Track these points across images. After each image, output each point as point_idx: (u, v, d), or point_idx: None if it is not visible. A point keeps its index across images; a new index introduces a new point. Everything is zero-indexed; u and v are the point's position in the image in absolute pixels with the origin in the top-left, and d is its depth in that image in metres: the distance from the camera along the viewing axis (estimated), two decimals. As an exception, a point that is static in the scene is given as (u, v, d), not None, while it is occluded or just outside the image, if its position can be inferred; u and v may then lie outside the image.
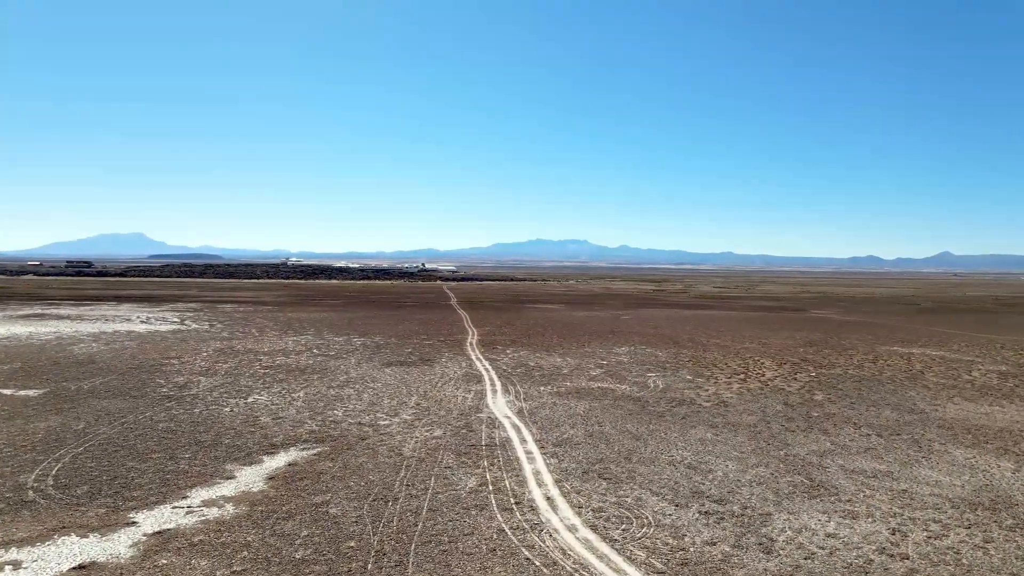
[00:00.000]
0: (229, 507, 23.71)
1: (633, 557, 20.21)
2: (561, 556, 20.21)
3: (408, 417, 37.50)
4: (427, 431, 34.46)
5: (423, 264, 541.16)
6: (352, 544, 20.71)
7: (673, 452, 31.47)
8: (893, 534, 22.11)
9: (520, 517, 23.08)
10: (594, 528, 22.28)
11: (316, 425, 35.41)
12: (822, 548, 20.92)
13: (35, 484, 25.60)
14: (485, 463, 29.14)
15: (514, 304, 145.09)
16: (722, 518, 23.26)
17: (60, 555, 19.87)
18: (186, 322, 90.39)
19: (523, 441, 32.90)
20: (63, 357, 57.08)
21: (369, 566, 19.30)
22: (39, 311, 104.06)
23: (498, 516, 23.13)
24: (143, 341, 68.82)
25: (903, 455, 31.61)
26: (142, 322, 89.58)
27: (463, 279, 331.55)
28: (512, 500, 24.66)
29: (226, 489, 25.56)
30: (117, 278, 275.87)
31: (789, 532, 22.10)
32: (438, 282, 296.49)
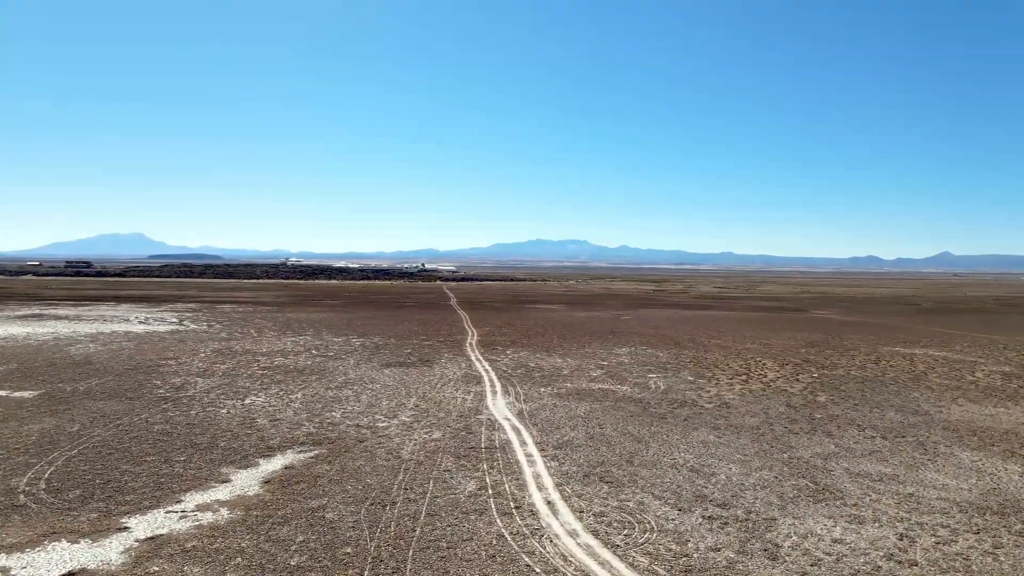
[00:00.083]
0: (224, 511, 23.27)
1: (636, 563, 19.77)
2: (562, 563, 19.78)
3: (407, 419, 37.07)
4: (426, 433, 34.03)
5: (423, 264, 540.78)
6: (348, 550, 20.27)
7: (675, 455, 31.04)
8: (901, 539, 21.67)
9: (520, 522, 22.65)
10: (596, 533, 21.84)
11: (313, 427, 34.98)
12: (828, 554, 20.48)
13: (27, 488, 25.16)
14: (484, 466, 28.71)
15: (514, 304, 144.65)
16: (726, 523, 22.82)
17: (50, 561, 19.43)
18: (184, 322, 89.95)
19: (523, 443, 32.46)
20: (60, 358, 56.65)
21: (366, 573, 18.87)
22: (37, 311, 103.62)
23: (498, 521, 22.69)
24: (141, 342, 68.39)
25: (908, 458, 31.18)
26: (140, 323, 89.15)
27: (463, 279, 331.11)
28: (512, 504, 24.22)
29: (221, 493, 25.12)
30: (116, 278, 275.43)
31: (795, 537, 21.66)
32: (438, 282, 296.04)
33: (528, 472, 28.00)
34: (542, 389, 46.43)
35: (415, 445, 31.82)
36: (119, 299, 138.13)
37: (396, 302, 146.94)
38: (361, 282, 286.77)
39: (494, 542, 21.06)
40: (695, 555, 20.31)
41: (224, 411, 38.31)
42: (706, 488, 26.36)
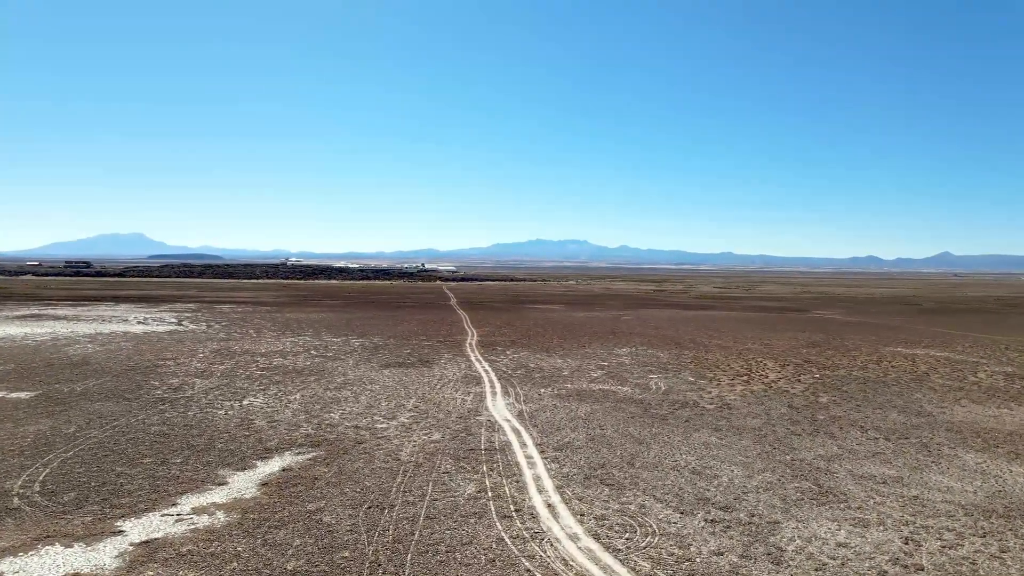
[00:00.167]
0: (220, 515, 22.98)
1: (638, 568, 19.48)
2: (563, 567, 19.48)
3: (406, 420, 36.77)
4: (425, 435, 33.73)
5: (423, 264, 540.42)
6: (346, 554, 19.98)
7: (677, 456, 30.74)
8: (906, 543, 21.37)
9: (520, 525, 22.35)
10: (597, 537, 21.54)
11: (312, 429, 34.68)
12: (833, 559, 20.18)
13: (21, 491, 24.87)
14: (484, 468, 28.41)
15: (514, 304, 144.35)
16: (729, 526, 22.52)
17: (43, 566, 19.14)
18: (183, 323, 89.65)
19: (523, 445, 32.16)
20: (57, 358, 56.36)
21: (363, 578, 18.57)
22: (36, 312, 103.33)
23: (497, 524, 22.39)
24: (139, 342, 68.09)
25: (912, 460, 30.88)
26: (139, 323, 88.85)
27: (463, 279, 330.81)
28: (512, 507, 23.92)
29: (217, 496, 24.82)
30: (116, 278, 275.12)
31: (799, 541, 21.36)
32: (438, 282, 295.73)
33: (528, 474, 27.70)
34: (542, 390, 46.13)
35: (414, 447, 31.52)
36: (118, 299, 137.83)
37: (396, 302, 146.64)
38: (361, 282, 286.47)
39: (494, 546, 20.76)
40: (698, 559, 20.01)
41: (222, 412, 38.01)
42: (708, 491, 26.06)
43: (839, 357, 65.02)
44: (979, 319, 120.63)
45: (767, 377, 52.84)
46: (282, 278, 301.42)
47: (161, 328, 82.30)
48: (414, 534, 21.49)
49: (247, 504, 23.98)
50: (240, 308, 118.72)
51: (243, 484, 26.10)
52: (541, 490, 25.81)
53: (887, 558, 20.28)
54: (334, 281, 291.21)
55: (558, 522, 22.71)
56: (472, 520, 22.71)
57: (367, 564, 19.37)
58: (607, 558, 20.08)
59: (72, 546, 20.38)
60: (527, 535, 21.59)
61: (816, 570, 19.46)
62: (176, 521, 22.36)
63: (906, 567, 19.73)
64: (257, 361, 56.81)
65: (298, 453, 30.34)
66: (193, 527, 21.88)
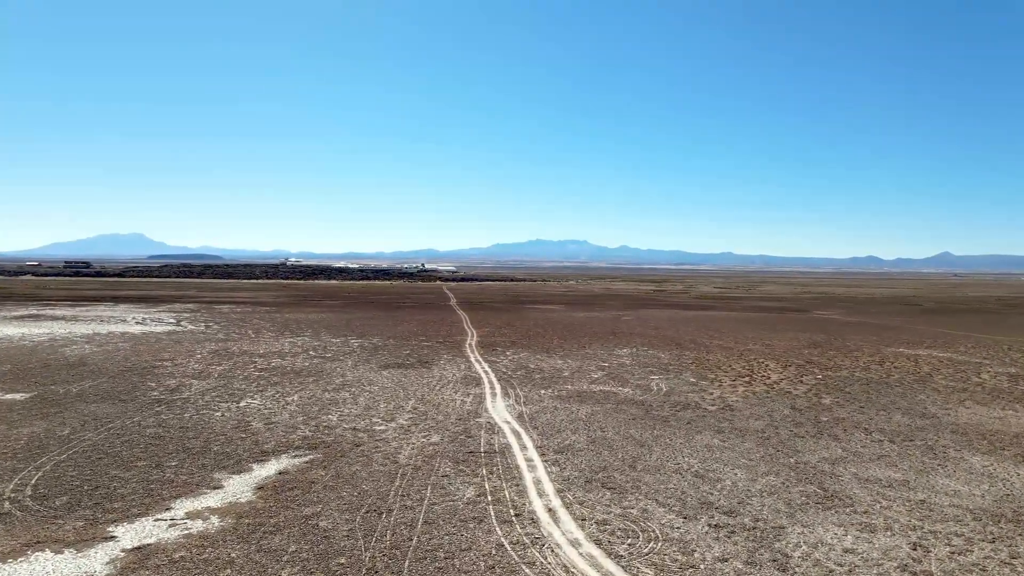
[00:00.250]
0: (214, 519, 22.54)
1: (640, 575, 19.04)
2: (564, 574, 19.05)
3: (405, 422, 36.34)
4: (424, 437, 33.30)
5: (423, 264, 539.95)
6: (342, 560, 19.55)
7: (679, 459, 30.31)
8: (914, 549, 20.93)
9: (520, 530, 21.92)
10: (598, 543, 21.11)
11: (309, 431, 34.25)
12: (840, 565, 19.74)
13: (12, 495, 24.42)
14: (484, 471, 27.98)
15: (514, 305, 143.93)
16: (733, 531, 22.09)
17: (32, 573, 18.71)
18: (182, 323, 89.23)
19: (523, 447, 31.73)
20: (54, 359, 55.93)
21: (360, 585, 18.15)
22: (34, 312, 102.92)
23: (497, 529, 21.96)
24: (137, 343, 67.66)
25: (918, 462, 30.44)
26: (137, 323, 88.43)
27: (463, 279, 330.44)
28: (512, 512, 23.49)
29: (212, 500, 24.39)
30: (115, 279, 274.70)
31: (804, 547, 20.92)
32: (438, 282, 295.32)
33: (528, 478, 27.27)
34: (542, 391, 45.71)
35: (413, 449, 31.10)
36: (117, 299, 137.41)
37: (395, 302, 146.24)
38: (361, 282, 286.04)
39: (493, 552, 20.34)
40: (702, 566, 19.59)
41: (219, 414, 37.58)
42: (711, 494, 25.63)
43: (841, 358, 64.60)
44: (980, 319, 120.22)
45: (769, 378, 52.41)
46: (282, 278, 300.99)
47: (159, 328, 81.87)
48: (412, 539, 21.06)
49: (242, 508, 23.55)
50: (239, 308, 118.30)
51: (238, 488, 25.67)
52: (541, 494, 25.38)
53: (895, 564, 19.85)
54: (334, 281, 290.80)
55: (559, 527, 22.29)
56: (471, 525, 22.28)
57: (364, 571, 18.95)
58: (609, 564, 19.65)
59: (63, 552, 19.95)
60: (527, 540, 21.16)
61: (823, 577, 19.04)
62: (169, 526, 21.93)
63: (915, 574, 19.30)
64: (255, 362, 56.39)
65: (295, 456, 29.91)
66: (186, 532, 21.45)
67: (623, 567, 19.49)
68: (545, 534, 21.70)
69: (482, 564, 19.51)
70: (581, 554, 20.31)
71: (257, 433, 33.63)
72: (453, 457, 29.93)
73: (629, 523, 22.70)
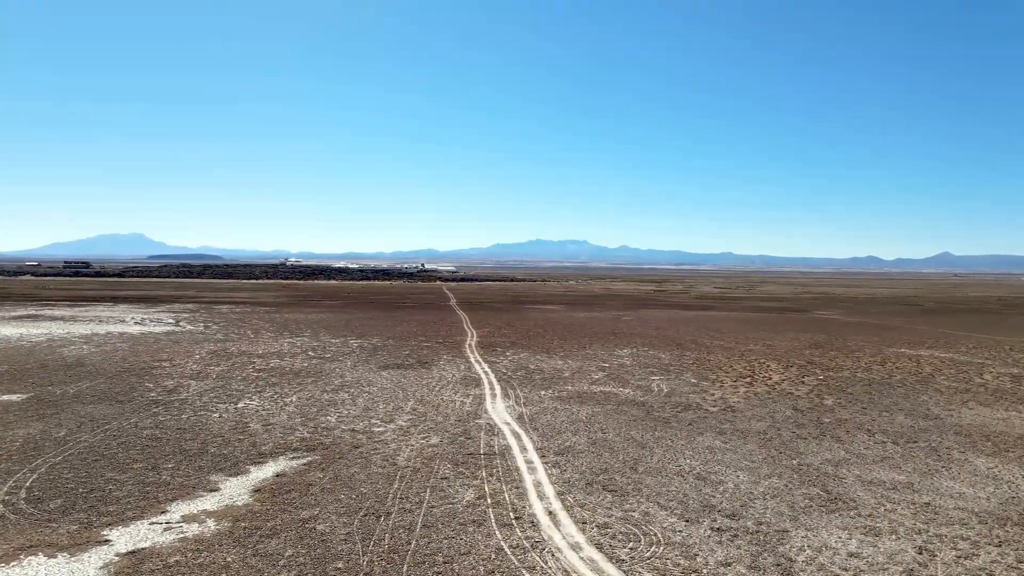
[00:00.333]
0: (210, 523, 22.24)
1: (642, 580, 18.75)
2: (565, 579, 18.76)
3: (404, 423, 36.05)
4: (423, 438, 33.01)
5: (423, 264, 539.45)
6: (339, 565, 19.25)
7: (681, 461, 30.01)
8: (920, 553, 20.63)
9: (520, 534, 21.62)
10: (599, 547, 20.81)
11: (307, 432, 33.95)
12: (845, 570, 19.44)
13: (6, 498, 24.12)
14: (483, 473, 27.68)
15: (514, 305, 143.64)
16: (736, 535, 21.79)
17: (24, 578, 18.41)
18: (181, 323, 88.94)
19: (523, 449, 31.43)
20: (52, 360, 55.64)
21: (357, 591, 17.85)
22: (33, 312, 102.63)
23: (497, 533, 21.66)
24: (135, 343, 67.37)
25: (922, 464, 30.14)
26: (136, 323, 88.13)
27: (463, 280, 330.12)
28: (512, 515, 23.19)
29: (209, 503, 24.09)
30: (115, 279, 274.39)
31: (809, 551, 20.62)
32: (438, 283, 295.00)
33: (528, 480, 26.97)
34: (542, 392, 45.41)
35: (412, 451, 30.80)
36: (116, 299, 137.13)
37: (395, 303, 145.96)
38: (360, 282, 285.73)
39: (493, 556, 20.04)
40: (705, 571, 19.28)
41: (216, 415, 37.29)
42: (714, 497, 25.33)
43: (842, 358, 64.30)
44: (981, 320, 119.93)
45: (770, 379, 52.12)
46: (281, 278, 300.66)
47: (158, 329, 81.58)
48: (410, 543, 20.77)
49: (239, 512, 23.26)
50: (238, 308, 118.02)
51: (235, 490, 25.38)
52: (542, 496, 25.09)
53: (901, 569, 19.55)
54: (333, 281, 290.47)
55: (559, 530, 21.99)
56: (471, 529, 21.99)
57: (361, 575, 18.66)
58: (611, 569, 19.35)
59: (56, 556, 19.65)
60: (527, 545, 20.86)
61: (828, 582, 18.74)
62: (165, 530, 21.63)
63: (921, 579, 19.01)
64: (254, 362, 56.09)
65: (293, 458, 29.62)
66: (182, 536, 21.15)
67: (625, 572, 19.20)
68: (545, 538, 21.40)
69: (481, 569, 19.22)
70: (582, 558, 20.01)
71: (255, 435, 33.34)
72: (452, 459, 29.64)
73: (631, 526, 22.40)
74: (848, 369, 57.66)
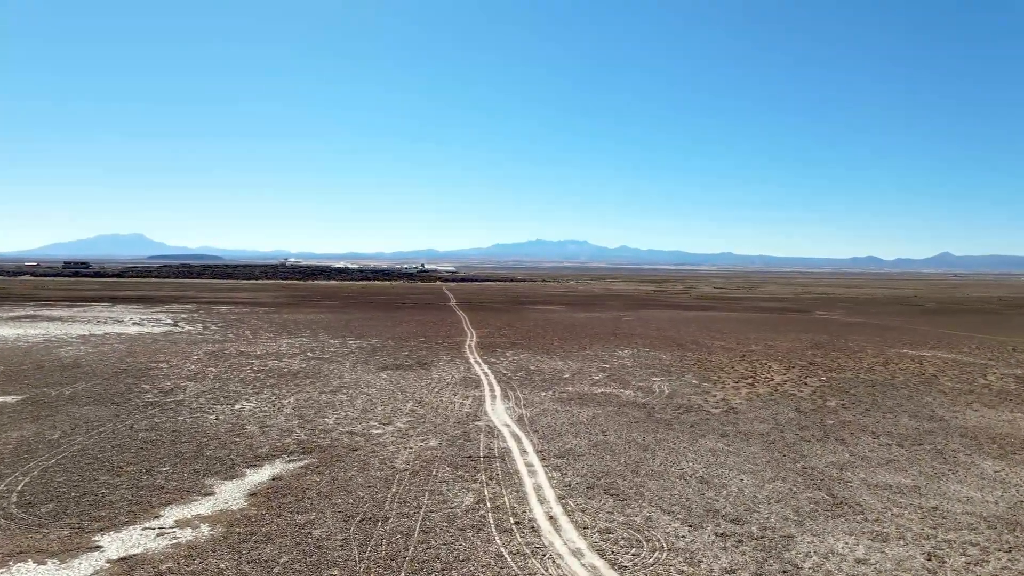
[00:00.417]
0: (204, 528, 21.81)
1: (645, 587, 18.32)
2: (566, 586, 18.33)
3: (402, 425, 35.61)
4: (422, 441, 32.57)
5: (423, 265, 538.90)
6: (335, 572, 18.81)
7: (683, 464, 29.57)
8: (929, 559, 20.19)
9: (520, 540, 21.19)
10: (601, 553, 20.38)
11: (305, 434, 33.51)
12: (853, 576, 19.01)
13: (-3, 502, 23.69)
14: (483, 477, 27.25)
15: (514, 305, 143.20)
16: (740, 541, 21.34)
17: (13, 585, 17.98)
18: (179, 324, 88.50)
19: (523, 452, 30.99)
20: (48, 360, 55.20)
21: (353, 599, 17.42)
22: (31, 312, 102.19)
23: (496, 539, 21.23)
24: (133, 344, 66.93)
25: (928, 467, 29.71)
26: (134, 324, 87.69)
27: (463, 280, 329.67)
28: (512, 520, 22.76)
29: (203, 507, 23.65)
30: (114, 279, 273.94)
31: (815, 558, 20.18)
32: (437, 283, 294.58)
33: (529, 483, 26.54)
34: (543, 393, 44.98)
35: (410, 454, 30.36)
36: (115, 300, 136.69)
37: (395, 303, 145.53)
38: (360, 283, 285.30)
39: (492, 563, 19.60)
40: (709, 577, 18.84)
41: (213, 417, 36.85)
42: (717, 501, 24.89)
43: (844, 359, 63.86)
44: (983, 320, 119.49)
45: (772, 380, 51.69)
46: (281, 278, 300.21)
47: (156, 329, 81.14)
48: (408, 549, 20.33)
49: (233, 516, 22.82)
50: (237, 309, 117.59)
51: (230, 494, 24.94)
52: (542, 501, 24.65)
53: (910, 576, 19.13)
54: (333, 281, 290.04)
55: (560, 536, 21.55)
56: (470, 534, 21.55)
57: (358, 583, 18.22)
58: (613, 576, 18.92)
59: (45, 563, 19.22)
60: (528, 550, 20.43)
61: (835, 589, 18.31)
62: (158, 535, 21.19)
63: (930, 586, 18.59)
64: (252, 363, 55.66)
65: (290, 461, 29.19)
66: (175, 542, 20.72)
67: (627, 579, 18.76)
68: (546, 543, 20.97)
69: (481, 576, 18.78)
70: (583, 564, 19.58)
71: (251, 437, 32.90)
72: (452, 462, 29.20)
73: (633, 532, 21.97)
74: (850, 370, 57.22)
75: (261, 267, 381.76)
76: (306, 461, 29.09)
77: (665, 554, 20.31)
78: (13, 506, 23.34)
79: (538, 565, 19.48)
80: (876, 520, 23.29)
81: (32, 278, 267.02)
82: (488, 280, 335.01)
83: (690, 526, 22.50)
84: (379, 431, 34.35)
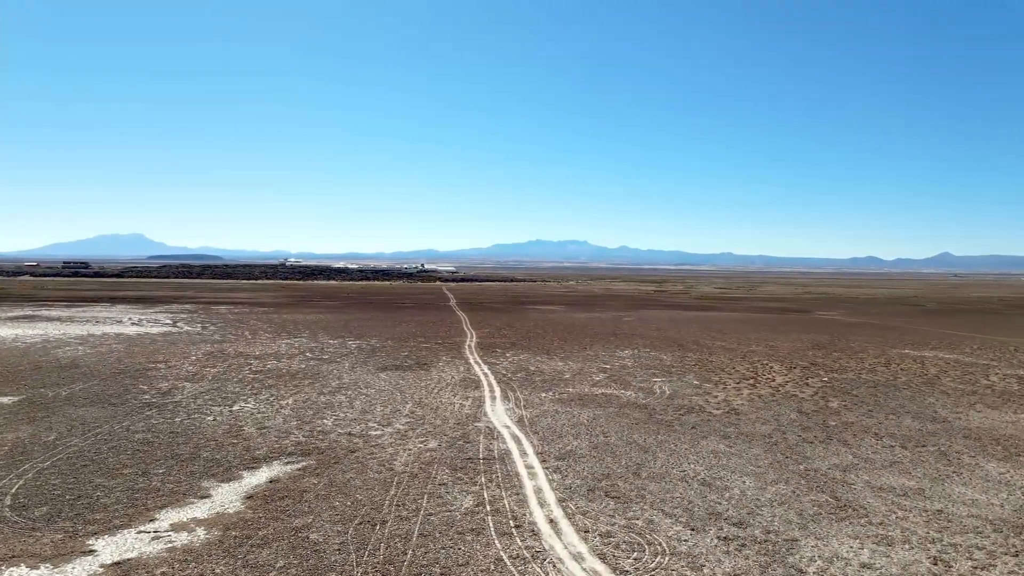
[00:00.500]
0: (200, 532, 21.51)
1: (647, 592, 18.02)
2: (567, 592, 18.03)
3: (401, 427, 35.31)
4: (421, 442, 32.27)
5: (422, 265, 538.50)
6: (333, 577, 18.51)
7: (685, 466, 29.27)
8: (935, 564, 19.90)
9: (520, 544, 20.89)
10: (602, 557, 20.08)
11: (303, 436, 33.21)
12: (858, 581, 18.72)
13: (-10, 505, 23.40)
14: (483, 479, 26.95)
15: (514, 305, 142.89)
16: (743, 544, 21.05)
17: (5, 590, 17.69)
18: (178, 324, 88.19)
19: (523, 454, 30.70)
20: (46, 361, 54.89)
21: (350, 605, 17.12)
22: (30, 313, 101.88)
23: (496, 542, 20.93)
24: (131, 344, 66.62)
25: (932, 469, 29.41)
26: (133, 324, 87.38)
27: (463, 280, 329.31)
28: (512, 523, 22.46)
29: (199, 510, 23.36)
30: (114, 279, 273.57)
31: (820, 562, 19.88)
32: (437, 283, 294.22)
33: (529, 486, 26.24)
34: (543, 394, 44.67)
35: (409, 456, 30.07)
36: (114, 300, 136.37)
37: (395, 303, 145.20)
38: (360, 283, 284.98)
39: (492, 567, 19.31)
40: (712, 582, 18.55)
41: (210, 418, 36.55)
42: (719, 504, 24.59)
43: (846, 359, 63.56)
44: (984, 320, 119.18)
45: (774, 380, 51.38)
46: (281, 279, 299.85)
47: (155, 330, 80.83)
48: (407, 553, 20.04)
49: (230, 520, 22.52)
50: (237, 309, 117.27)
51: (227, 497, 24.64)
52: (543, 504, 24.36)
53: (916, 581, 18.82)
54: (333, 282, 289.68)
55: (561, 540, 21.26)
56: (469, 538, 21.25)
57: (355, 588, 17.92)
58: (614, 581, 18.62)
59: (38, 567, 18.93)
60: (528, 555, 20.13)
61: (840, 595, 18.01)
62: (152, 539, 20.89)
63: (937, 591, 18.29)
64: (250, 364, 55.35)
65: (287, 463, 28.89)
66: (170, 546, 20.42)
67: (629, 584, 18.47)
68: (547, 547, 20.67)
69: (480, 581, 18.48)
70: (585, 569, 19.28)
71: (249, 438, 32.60)
72: (451, 464, 28.91)
73: (634, 535, 21.67)
74: (852, 371, 56.92)
75: (261, 267, 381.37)
76: (304, 463, 28.80)
77: (667, 558, 20.01)
78: (7, 509, 23.05)
79: (539, 570, 19.19)
80: (881, 523, 22.99)
81: (31, 278, 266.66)
82: (488, 280, 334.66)
83: (692, 529, 22.21)
84: (378, 432, 34.05)
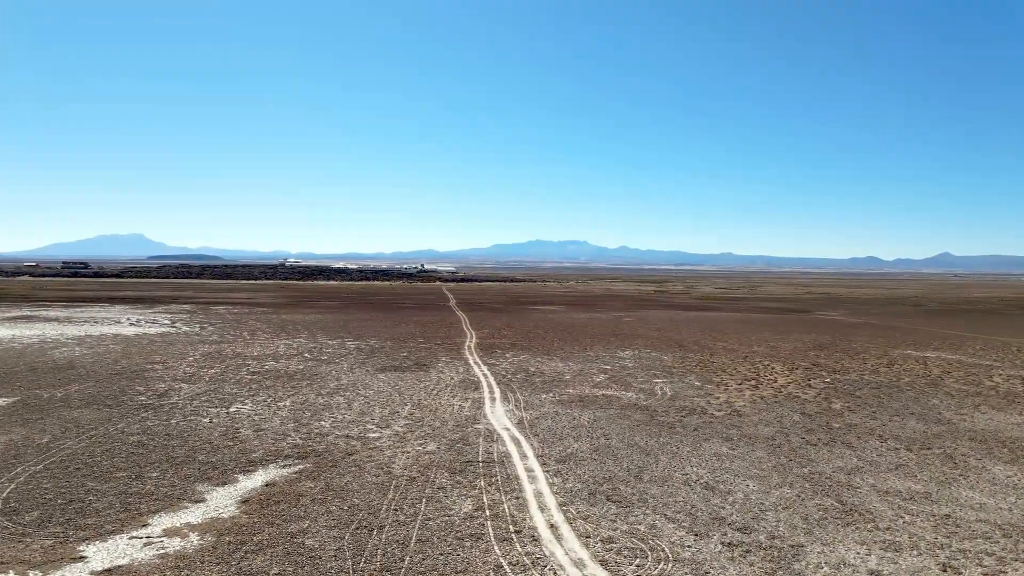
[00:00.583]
0: (193, 537, 21.08)
1: (650, 601, 17.59)
2: (568, 600, 17.60)
3: (400, 429, 34.88)
4: (420, 445, 31.84)
5: (422, 265, 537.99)
6: (328, 585, 18.08)
7: (687, 469, 28.84)
8: (944, 571, 19.47)
9: (520, 549, 20.46)
10: (604, 564, 19.65)
11: (300, 438, 32.78)
12: (866, 589, 18.28)
13: (-20, 509, 22.97)
14: (482, 483, 26.52)
15: (514, 306, 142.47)
16: (748, 550, 20.62)
17: (-8, 599, 17.27)
18: (177, 324, 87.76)
19: (523, 456, 30.27)
20: (42, 362, 54.46)
21: (346, 613, 16.69)
22: (28, 313, 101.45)
23: (495, 548, 20.50)
24: (129, 345, 66.19)
25: (938, 473, 28.98)
26: (131, 324, 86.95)
27: (462, 280, 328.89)
28: (511, 528, 22.03)
29: (193, 515, 22.92)
30: (113, 279, 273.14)
31: (827, 568, 19.45)
32: (437, 283, 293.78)
33: (529, 490, 25.81)
34: (543, 395, 44.25)
35: (408, 458, 29.64)
36: (113, 300, 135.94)
37: (394, 303, 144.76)
38: (360, 283, 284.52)
39: (491, 574, 18.87)
40: (717, 590, 18.12)
41: (206, 420, 36.12)
42: (723, 509, 24.16)
43: (848, 360, 63.13)
44: (985, 320, 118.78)
45: (776, 381, 50.95)
46: (280, 279, 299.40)
47: (153, 330, 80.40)
48: (404, 559, 19.60)
49: (224, 525, 22.09)
50: (235, 309, 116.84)
51: (222, 501, 24.21)
52: (543, 508, 23.92)
53: (925, 588, 18.40)
54: (333, 282, 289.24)
55: (562, 545, 20.83)
56: (468, 543, 20.82)
57: (351, 596, 17.50)
58: (616, 589, 18.19)
59: (27, 574, 18.49)
60: (528, 561, 19.70)
61: (848, 603, 17.58)
62: (144, 545, 20.46)
63: (947, 599, 17.86)
64: (248, 365, 54.92)
65: (284, 466, 28.45)
66: (162, 552, 19.99)
67: (632, 592, 18.04)
68: (547, 553, 20.24)
69: (479, 588, 18.06)
70: (586, 576, 18.85)
71: (245, 441, 32.18)
72: (450, 467, 28.47)
73: (637, 541, 21.24)
74: (855, 371, 56.49)
75: (260, 267, 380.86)
76: (301, 466, 28.36)
77: (670, 565, 19.58)
78: (-3, 514, 22.61)
79: (539, 577, 18.75)
80: (888, 528, 22.56)
81: (31, 278, 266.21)
82: (488, 280, 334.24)
83: (696, 535, 21.78)
84: (376, 435, 33.62)
